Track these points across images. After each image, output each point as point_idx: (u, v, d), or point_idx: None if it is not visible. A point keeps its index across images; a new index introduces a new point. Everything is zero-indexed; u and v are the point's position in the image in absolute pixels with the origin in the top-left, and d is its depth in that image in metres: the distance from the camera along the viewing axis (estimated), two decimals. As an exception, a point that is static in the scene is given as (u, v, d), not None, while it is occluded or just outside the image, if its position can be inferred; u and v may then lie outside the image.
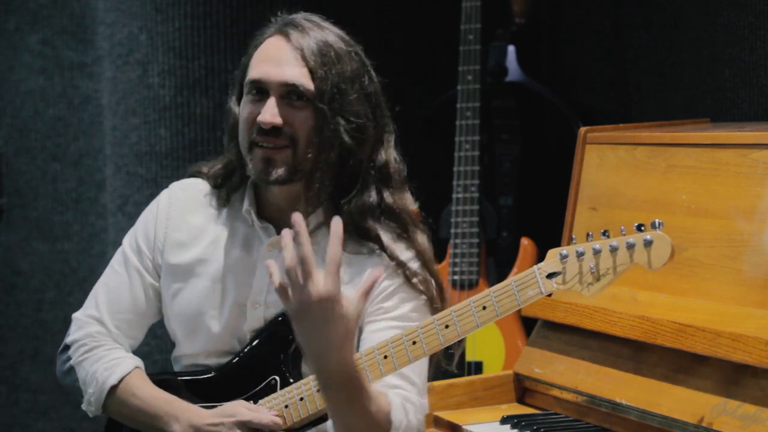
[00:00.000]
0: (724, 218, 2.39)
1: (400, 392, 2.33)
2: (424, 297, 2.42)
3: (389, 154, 2.45)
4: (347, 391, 2.16)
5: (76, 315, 2.56)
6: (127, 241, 2.57)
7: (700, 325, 2.32)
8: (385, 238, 2.43)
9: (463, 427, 2.61)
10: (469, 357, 3.70)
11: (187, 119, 3.92)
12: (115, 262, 2.57)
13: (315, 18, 2.44)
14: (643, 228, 2.17)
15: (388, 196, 2.44)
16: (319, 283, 2.06)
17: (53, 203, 4.38)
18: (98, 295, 2.55)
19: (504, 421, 2.59)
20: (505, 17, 4.04)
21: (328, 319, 2.07)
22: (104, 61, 4.15)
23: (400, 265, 2.41)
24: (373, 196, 2.42)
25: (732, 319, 2.30)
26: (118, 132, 4.05)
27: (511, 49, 3.99)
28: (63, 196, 4.37)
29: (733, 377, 2.26)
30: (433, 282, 2.44)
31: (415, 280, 2.41)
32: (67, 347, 2.54)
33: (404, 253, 2.43)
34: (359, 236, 2.42)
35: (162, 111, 3.93)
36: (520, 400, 2.76)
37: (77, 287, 4.36)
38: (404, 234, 2.45)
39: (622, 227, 2.19)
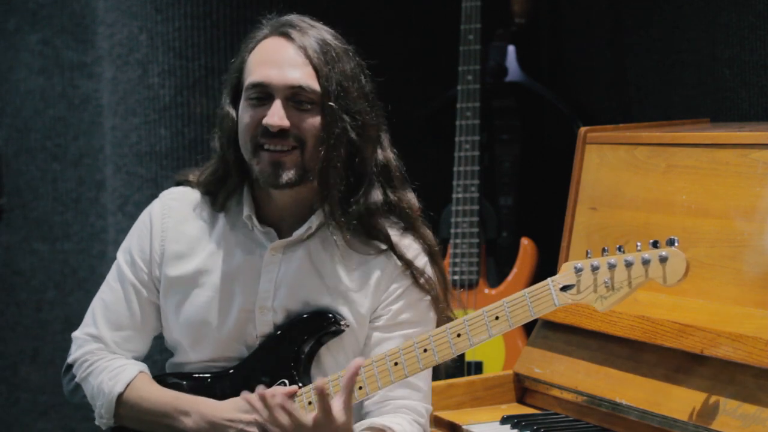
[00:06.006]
0: (724, 218, 2.39)
1: (408, 403, 2.39)
2: (429, 297, 2.44)
3: (387, 153, 2.46)
4: None
5: (75, 334, 2.53)
6: (122, 255, 2.53)
7: (700, 325, 2.32)
8: (393, 235, 2.43)
9: (463, 427, 2.61)
10: (469, 357, 3.69)
11: (187, 119, 3.91)
12: (111, 277, 2.54)
13: (307, 19, 2.43)
14: (658, 244, 2.18)
15: (392, 194, 2.45)
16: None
17: (53, 203, 4.37)
18: (96, 312, 2.52)
19: (504, 421, 2.59)
20: (505, 17, 4.04)
21: None
22: (104, 61, 4.15)
23: (408, 265, 2.43)
24: (378, 195, 2.43)
25: (732, 319, 2.30)
26: (118, 132, 4.04)
27: (511, 49, 3.98)
28: (63, 196, 4.37)
29: (733, 377, 2.25)
30: (438, 279, 2.46)
31: (422, 280, 2.43)
32: (70, 366, 2.53)
33: (411, 250, 2.45)
34: (368, 236, 2.43)
35: (162, 111, 3.93)
36: (520, 400, 2.76)
37: (77, 287, 4.35)
38: (410, 228, 2.46)
39: (638, 243, 2.20)
